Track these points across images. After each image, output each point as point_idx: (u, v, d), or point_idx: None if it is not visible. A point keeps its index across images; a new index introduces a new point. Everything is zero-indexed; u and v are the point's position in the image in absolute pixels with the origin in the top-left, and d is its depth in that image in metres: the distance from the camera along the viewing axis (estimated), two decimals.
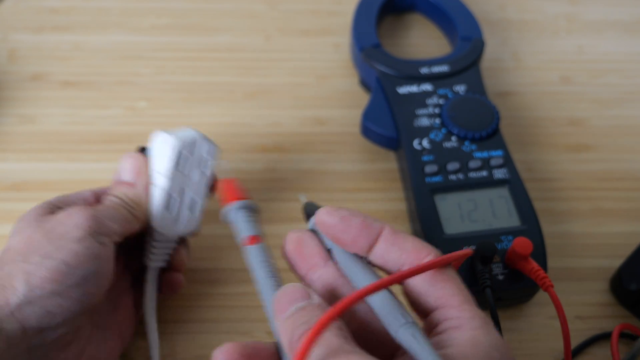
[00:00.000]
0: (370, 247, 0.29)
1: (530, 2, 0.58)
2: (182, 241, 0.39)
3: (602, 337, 0.39)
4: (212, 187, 0.39)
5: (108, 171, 0.46)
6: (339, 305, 0.24)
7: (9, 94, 0.50)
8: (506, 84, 0.52)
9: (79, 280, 0.30)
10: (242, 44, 0.54)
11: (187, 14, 0.56)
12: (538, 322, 0.40)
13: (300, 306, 0.27)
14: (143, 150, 0.38)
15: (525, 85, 0.52)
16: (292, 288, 0.28)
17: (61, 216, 0.32)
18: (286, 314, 0.27)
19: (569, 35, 0.56)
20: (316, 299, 0.27)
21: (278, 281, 0.32)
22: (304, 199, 0.36)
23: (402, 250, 0.28)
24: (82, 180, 0.45)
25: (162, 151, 0.36)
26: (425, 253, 0.28)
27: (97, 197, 0.36)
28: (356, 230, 0.29)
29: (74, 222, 0.31)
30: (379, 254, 0.29)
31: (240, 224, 0.35)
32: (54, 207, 0.33)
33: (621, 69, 0.53)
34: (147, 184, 0.36)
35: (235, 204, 0.36)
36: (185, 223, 0.37)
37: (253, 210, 0.36)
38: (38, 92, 0.50)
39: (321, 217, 0.30)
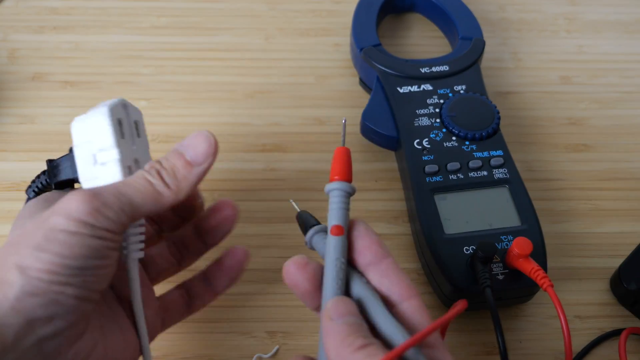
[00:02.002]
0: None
1: (530, 2, 0.58)
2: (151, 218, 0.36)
3: (606, 338, 0.39)
4: None
5: None
6: (397, 349, 0.26)
7: (9, 94, 0.50)
8: (506, 84, 0.52)
9: (77, 271, 0.28)
10: (242, 44, 0.54)
11: (187, 14, 0.56)
12: (538, 322, 0.40)
13: (358, 321, 0.28)
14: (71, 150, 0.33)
15: (525, 85, 0.52)
16: (352, 303, 0.29)
17: (57, 205, 0.29)
18: (344, 320, 0.28)
19: (568, 35, 0.56)
20: (365, 323, 0.29)
21: (341, 283, 0.30)
22: (295, 205, 0.35)
23: None
24: None
25: (97, 126, 0.32)
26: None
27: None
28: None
29: (67, 212, 0.28)
30: None
31: (332, 209, 0.32)
32: (51, 203, 0.31)
33: (621, 69, 0.53)
34: (204, 172, 0.32)
35: (341, 185, 0.32)
36: None
37: (349, 196, 0.32)
38: (38, 92, 0.50)
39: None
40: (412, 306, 0.29)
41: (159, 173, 0.31)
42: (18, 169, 0.46)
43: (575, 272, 0.42)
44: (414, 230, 0.43)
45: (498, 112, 0.44)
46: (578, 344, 0.39)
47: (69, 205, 0.29)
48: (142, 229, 0.33)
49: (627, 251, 0.41)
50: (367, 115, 0.45)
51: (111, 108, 0.32)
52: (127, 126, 0.33)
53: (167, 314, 0.36)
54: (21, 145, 0.47)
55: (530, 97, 0.51)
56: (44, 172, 0.35)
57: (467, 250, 0.39)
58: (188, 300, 0.36)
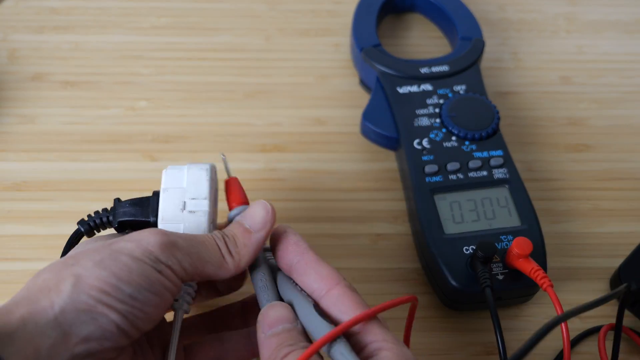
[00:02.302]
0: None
1: (530, 2, 0.58)
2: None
3: (593, 332, 0.40)
4: None
5: (108, 171, 0.46)
6: (322, 339, 0.27)
7: (9, 94, 0.50)
8: (506, 84, 0.52)
9: (127, 297, 0.28)
10: (242, 44, 0.54)
11: (187, 14, 0.56)
12: (538, 322, 0.40)
13: (287, 327, 0.29)
14: (157, 193, 0.35)
15: (525, 85, 0.52)
16: (281, 308, 0.30)
17: (129, 235, 0.30)
18: (272, 331, 0.29)
19: (568, 35, 0.56)
20: (300, 324, 0.29)
21: (271, 294, 0.32)
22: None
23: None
24: (82, 180, 0.45)
25: (195, 177, 0.35)
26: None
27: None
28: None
29: (138, 238, 0.29)
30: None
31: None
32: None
33: (621, 69, 0.53)
34: (262, 240, 0.33)
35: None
36: None
37: None
38: (38, 92, 0.50)
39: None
40: (334, 296, 0.30)
41: (223, 239, 0.32)
42: (18, 169, 0.46)
43: (575, 272, 0.42)
44: (414, 231, 0.43)
45: (498, 112, 0.44)
46: None
47: (141, 235, 0.30)
48: (195, 287, 0.34)
49: (627, 251, 0.41)
50: (367, 115, 0.45)
51: (211, 166, 0.35)
52: (213, 189, 0.35)
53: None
54: (21, 145, 0.47)
55: (530, 97, 0.51)
56: (106, 210, 0.35)
57: (466, 250, 0.39)
58: (218, 356, 0.35)
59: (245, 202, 0.36)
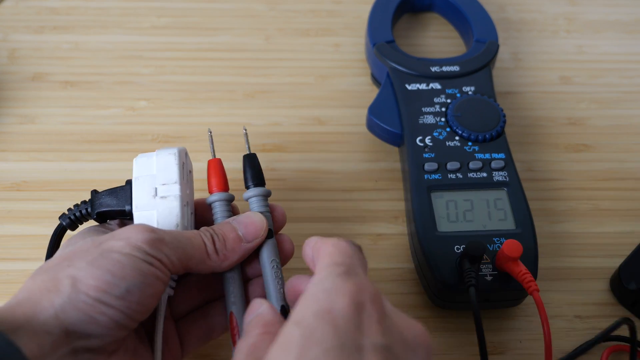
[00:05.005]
0: None
1: (530, 2, 0.58)
2: None
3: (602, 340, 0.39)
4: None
5: (108, 171, 0.46)
6: None
7: (9, 94, 0.50)
8: (506, 84, 0.52)
9: (123, 292, 0.29)
10: (242, 44, 0.54)
11: (187, 14, 0.56)
12: (538, 322, 0.40)
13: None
14: (130, 182, 0.36)
15: (525, 85, 0.52)
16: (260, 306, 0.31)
17: (116, 232, 0.31)
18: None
19: (568, 35, 0.56)
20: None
21: (238, 296, 0.34)
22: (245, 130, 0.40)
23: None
24: (82, 180, 0.45)
25: (164, 163, 0.35)
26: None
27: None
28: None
29: (126, 236, 0.30)
30: None
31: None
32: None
33: (621, 69, 0.53)
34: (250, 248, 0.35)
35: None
36: None
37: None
38: (38, 92, 0.50)
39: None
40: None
41: (212, 238, 0.33)
42: (18, 169, 0.46)
43: (575, 272, 0.42)
44: (409, 231, 0.43)
45: (504, 116, 0.44)
46: (578, 344, 0.39)
47: (129, 233, 0.30)
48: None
49: (627, 251, 0.41)
50: (373, 110, 0.46)
51: (179, 150, 0.36)
52: (185, 172, 0.36)
53: (186, 342, 0.36)
54: (21, 145, 0.47)
55: (530, 97, 0.51)
56: (84, 202, 0.36)
57: (458, 249, 0.38)
58: (207, 331, 0.36)
59: (225, 189, 0.37)
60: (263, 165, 0.47)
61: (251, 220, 0.35)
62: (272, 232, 0.36)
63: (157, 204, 0.34)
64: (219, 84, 0.51)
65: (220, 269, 0.34)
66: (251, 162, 0.38)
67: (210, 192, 0.37)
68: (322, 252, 0.29)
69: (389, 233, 0.44)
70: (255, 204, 0.37)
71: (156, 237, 0.31)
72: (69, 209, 0.36)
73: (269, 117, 0.49)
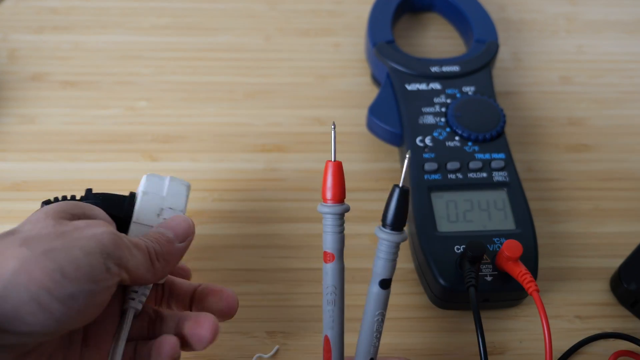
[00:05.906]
0: None
1: (530, 2, 0.58)
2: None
3: (599, 338, 0.39)
4: None
5: (108, 171, 0.46)
6: None
7: (9, 94, 0.50)
8: (506, 84, 0.52)
9: (66, 297, 0.26)
10: (242, 44, 0.54)
11: (187, 14, 0.56)
12: (537, 322, 0.40)
13: None
14: (133, 195, 0.36)
15: (525, 85, 0.52)
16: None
17: (82, 223, 0.29)
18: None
19: (568, 35, 0.56)
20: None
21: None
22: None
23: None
24: (82, 180, 0.45)
25: (176, 190, 0.37)
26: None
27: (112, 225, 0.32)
28: None
29: (92, 233, 0.28)
30: None
31: (324, 233, 0.33)
32: (73, 217, 0.31)
33: (621, 69, 0.53)
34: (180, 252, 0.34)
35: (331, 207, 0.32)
36: None
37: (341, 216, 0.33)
38: (38, 92, 0.50)
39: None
40: None
41: (152, 247, 0.32)
42: (18, 169, 0.46)
43: (575, 272, 0.42)
44: (409, 231, 0.43)
45: (504, 116, 0.44)
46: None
47: (98, 229, 0.29)
48: (150, 287, 0.34)
49: (627, 251, 0.41)
50: (373, 110, 0.46)
51: (189, 185, 0.38)
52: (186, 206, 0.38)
53: None
54: (21, 145, 0.47)
55: (530, 97, 0.51)
56: (73, 197, 0.36)
57: (458, 249, 0.38)
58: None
59: (342, 200, 0.33)
60: (263, 165, 0.47)
61: (177, 222, 0.34)
62: (389, 283, 0.33)
63: (157, 223, 0.35)
64: (219, 84, 0.51)
65: (160, 278, 0.32)
66: (405, 201, 0.31)
67: (327, 201, 0.33)
68: None
69: None
70: (384, 249, 0.32)
71: (121, 240, 0.29)
72: (56, 198, 0.36)
73: (269, 117, 0.49)
